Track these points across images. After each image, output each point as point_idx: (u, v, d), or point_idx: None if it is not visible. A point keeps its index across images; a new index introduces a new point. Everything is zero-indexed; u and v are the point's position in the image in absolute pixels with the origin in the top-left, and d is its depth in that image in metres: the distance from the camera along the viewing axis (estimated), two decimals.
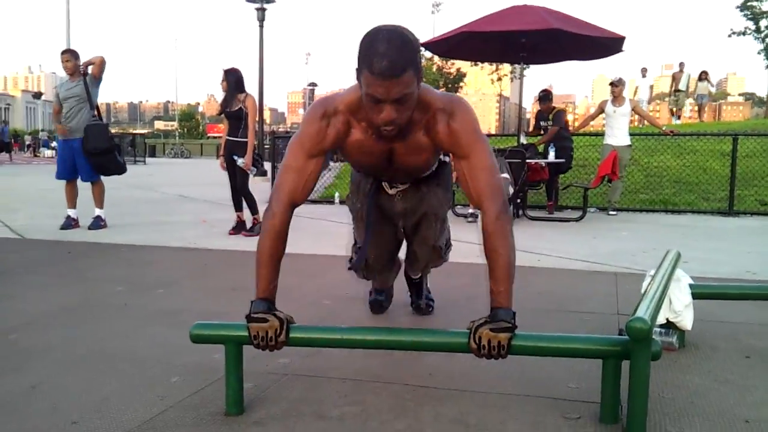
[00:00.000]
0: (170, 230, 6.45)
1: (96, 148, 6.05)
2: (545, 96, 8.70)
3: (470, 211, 7.38)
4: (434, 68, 42.60)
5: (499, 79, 51.12)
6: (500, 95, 63.95)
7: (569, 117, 8.65)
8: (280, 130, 68.29)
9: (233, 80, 6.06)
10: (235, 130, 6.07)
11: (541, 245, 5.56)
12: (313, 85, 50.49)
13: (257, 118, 6.63)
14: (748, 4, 49.86)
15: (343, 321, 3.12)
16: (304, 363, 2.47)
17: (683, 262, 3.59)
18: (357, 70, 1.88)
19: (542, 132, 8.60)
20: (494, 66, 39.81)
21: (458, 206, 8.03)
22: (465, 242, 5.68)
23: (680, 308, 2.53)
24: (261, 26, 14.43)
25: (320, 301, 3.53)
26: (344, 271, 4.22)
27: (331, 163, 16.65)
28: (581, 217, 7.57)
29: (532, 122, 9.23)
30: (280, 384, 2.29)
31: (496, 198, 1.99)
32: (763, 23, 48.20)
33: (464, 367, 2.41)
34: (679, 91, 16.93)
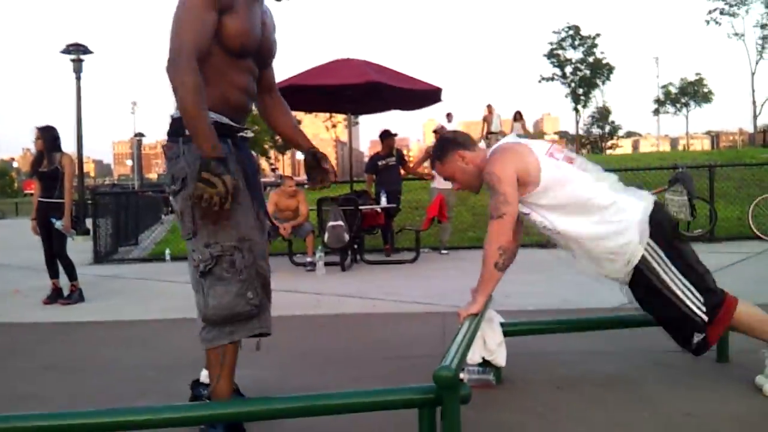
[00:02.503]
0: None
1: None
2: (386, 133, 8.72)
3: (308, 259, 7.40)
4: None
5: (334, 126, 52.26)
6: (337, 140, 65.27)
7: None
8: (106, 183, 64.43)
9: (51, 139, 5.73)
10: (50, 190, 5.68)
11: (378, 290, 5.69)
12: (140, 135, 48.34)
13: (75, 176, 6.24)
14: (554, 53, 54.96)
15: (170, 395, 2.83)
16: None
17: (505, 296, 3.84)
18: None
19: (377, 173, 8.67)
20: (328, 114, 40.61)
21: (297, 255, 8.01)
22: (302, 293, 5.67)
23: (494, 347, 2.69)
24: (78, 77, 13.79)
25: (144, 373, 3.33)
26: (178, 336, 4.05)
27: (164, 217, 15.99)
28: (415, 259, 7.89)
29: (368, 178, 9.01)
30: None
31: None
32: (567, 70, 53.47)
33: None
34: (491, 133, 17.15)
